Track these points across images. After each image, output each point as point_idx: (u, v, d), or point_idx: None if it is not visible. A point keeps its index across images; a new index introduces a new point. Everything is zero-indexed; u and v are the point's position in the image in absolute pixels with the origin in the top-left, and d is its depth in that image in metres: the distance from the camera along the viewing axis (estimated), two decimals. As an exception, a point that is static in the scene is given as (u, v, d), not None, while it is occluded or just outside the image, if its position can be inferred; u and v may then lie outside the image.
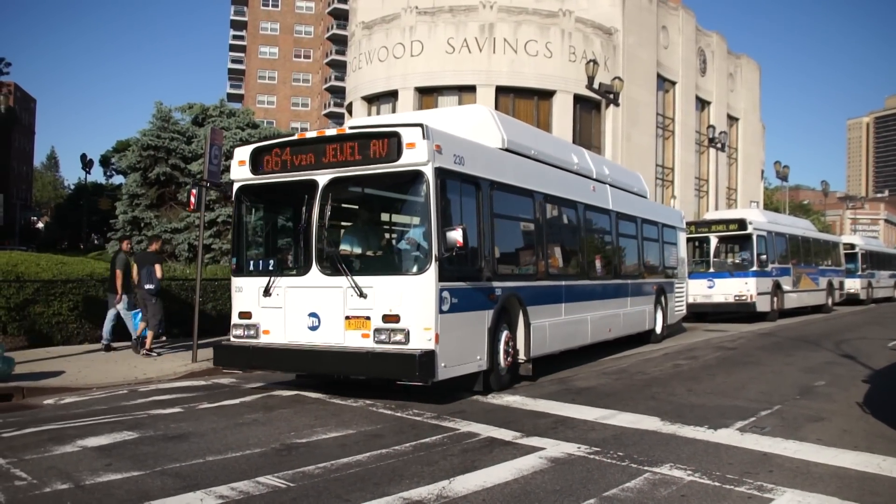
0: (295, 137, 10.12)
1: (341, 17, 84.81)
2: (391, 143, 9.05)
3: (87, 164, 60.94)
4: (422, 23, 31.12)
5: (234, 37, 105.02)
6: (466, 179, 9.82)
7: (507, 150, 11.47)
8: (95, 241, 65.54)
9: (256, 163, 10.13)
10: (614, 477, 6.21)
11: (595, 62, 26.47)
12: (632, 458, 6.83)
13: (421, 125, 8.98)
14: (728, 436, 7.75)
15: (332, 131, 9.80)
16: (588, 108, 32.17)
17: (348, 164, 9.38)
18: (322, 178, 9.57)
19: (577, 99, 31.26)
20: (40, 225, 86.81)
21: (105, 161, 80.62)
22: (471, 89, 30.30)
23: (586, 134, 31.75)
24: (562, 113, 31.10)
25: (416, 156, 8.92)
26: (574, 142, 27.75)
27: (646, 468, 6.46)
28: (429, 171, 8.97)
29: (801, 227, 30.67)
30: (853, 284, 35.41)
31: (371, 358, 8.96)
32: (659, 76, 36.69)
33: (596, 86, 26.21)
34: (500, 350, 10.42)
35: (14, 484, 6.00)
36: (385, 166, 9.17)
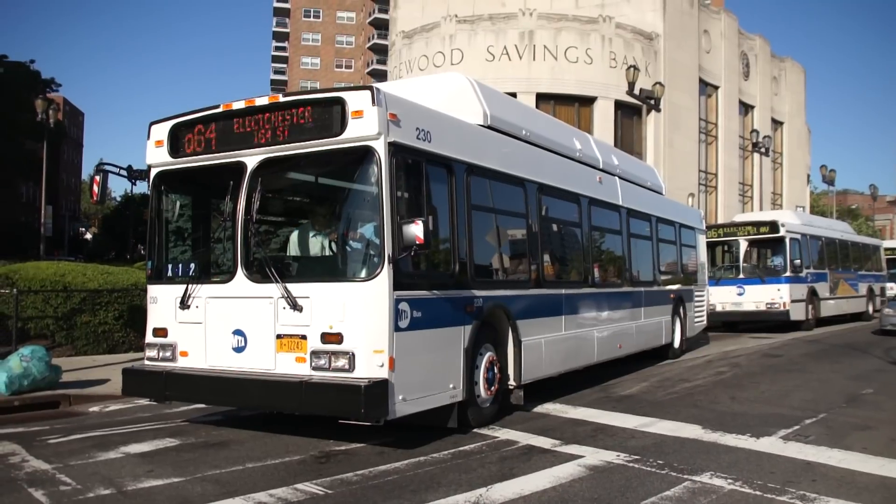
0: (220, 109, 8.06)
1: (382, 26, 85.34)
2: (333, 111, 7.25)
3: (133, 175, 62.02)
4: (461, 31, 31.21)
5: (277, 48, 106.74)
6: (434, 160, 7.91)
7: (490, 127, 9.49)
8: (142, 251, 66.73)
9: (176, 143, 8.31)
10: (653, 485, 6.14)
11: (636, 68, 26.35)
12: (672, 466, 6.75)
13: (371, 88, 7.19)
14: (771, 444, 7.62)
15: (263, 100, 7.78)
16: (629, 114, 31.95)
17: (283, 141, 7.56)
18: (251, 160, 7.75)
19: (619, 105, 31.06)
20: (88, 236, 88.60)
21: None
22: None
23: (628, 140, 31.50)
24: (603, 119, 30.92)
25: (364, 127, 7.10)
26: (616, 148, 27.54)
27: (686, 476, 6.39)
28: (380, 147, 7.11)
29: (839, 229, 29.44)
30: None
31: (305, 389, 7.00)
32: (701, 81, 36.27)
33: (637, 91, 26.10)
34: (481, 375, 8.56)
35: (59, 489, 6.14)
36: (326, 142, 7.35)
